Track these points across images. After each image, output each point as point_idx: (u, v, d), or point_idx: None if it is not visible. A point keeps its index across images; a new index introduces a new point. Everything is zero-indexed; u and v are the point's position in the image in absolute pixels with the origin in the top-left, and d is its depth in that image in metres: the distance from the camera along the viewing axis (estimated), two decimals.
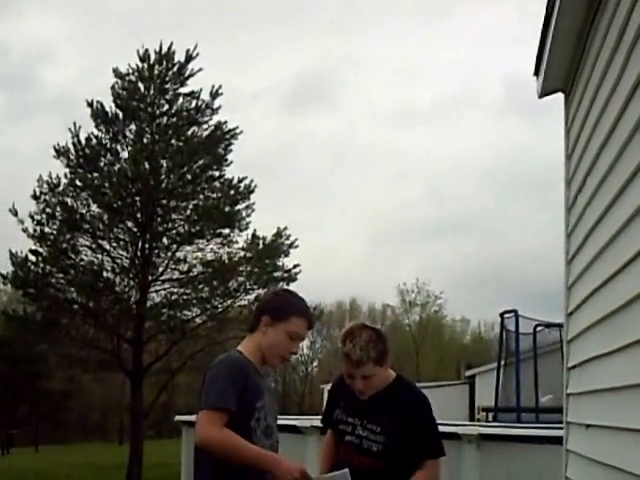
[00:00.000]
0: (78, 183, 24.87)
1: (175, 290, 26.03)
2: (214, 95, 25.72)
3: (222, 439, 3.89)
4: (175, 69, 25.45)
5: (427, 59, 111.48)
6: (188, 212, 25.62)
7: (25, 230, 24.33)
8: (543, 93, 6.12)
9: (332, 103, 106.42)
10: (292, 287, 26.41)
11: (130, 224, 25.33)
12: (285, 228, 26.17)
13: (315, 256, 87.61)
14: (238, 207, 25.87)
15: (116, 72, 25.40)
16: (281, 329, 4.26)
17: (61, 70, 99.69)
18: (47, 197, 24.56)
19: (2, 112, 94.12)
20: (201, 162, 25.59)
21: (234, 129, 26.08)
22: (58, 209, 24.64)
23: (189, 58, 25.49)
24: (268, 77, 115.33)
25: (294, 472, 3.90)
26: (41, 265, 24.60)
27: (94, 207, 25.03)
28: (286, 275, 26.13)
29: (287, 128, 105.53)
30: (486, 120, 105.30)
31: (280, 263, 26.14)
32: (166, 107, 25.64)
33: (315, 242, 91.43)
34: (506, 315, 21.43)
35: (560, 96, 6.13)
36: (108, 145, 25.27)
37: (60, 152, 24.83)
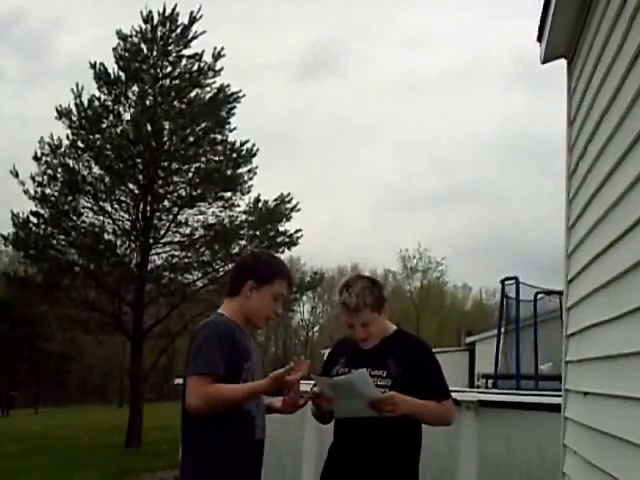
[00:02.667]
0: (80, 145, 24.78)
1: (176, 253, 26.02)
2: (216, 57, 25.58)
3: (211, 396, 3.96)
4: (178, 31, 25.30)
5: (436, 29, 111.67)
6: (190, 175, 25.53)
7: (26, 192, 24.30)
8: (546, 59, 6.06)
9: (341, 72, 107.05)
10: (294, 251, 26.53)
11: (132, 186, 25.28)
12: (288, 193, 26.14)
13: (319, 222, 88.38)
14: (240, 170, 25.80)
15: (119, 34, 25.24)
16: (266, 292, 4.33)
17: (75, 37, 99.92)
18: (48, 158, 24.49)
19: (17, 77, 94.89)
20: (203, 125, 25.48)
21: (237, 92, 25.99)
22: (59, 170, 24.56)
23: (193, 20, 25.34)
24: (280, 46, 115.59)
25: (293, 383, 4.07)
26: (42, 227, 24.57)
27: (96, 169, 24.96)
28: (288, 240, 26.08)
29: (297, 96, 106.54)
30: (492, 91, 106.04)
31: (282, 228, 26.11)
32: (169, 69, 25.52)
33: (320, 209, 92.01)
34: (507, 282, 21.43)
35: (563, 64, 6.08)
36: (110, 107, 25.15)
37: (62, 113, 24.73)
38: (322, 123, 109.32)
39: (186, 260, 25.81)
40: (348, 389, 4.30)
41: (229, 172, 25.50)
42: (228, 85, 25.86)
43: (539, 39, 5.97)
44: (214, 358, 4.00)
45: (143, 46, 25.26)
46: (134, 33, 25.20)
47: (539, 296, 21.50)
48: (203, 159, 25.68)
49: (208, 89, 25.85)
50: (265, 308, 4.35)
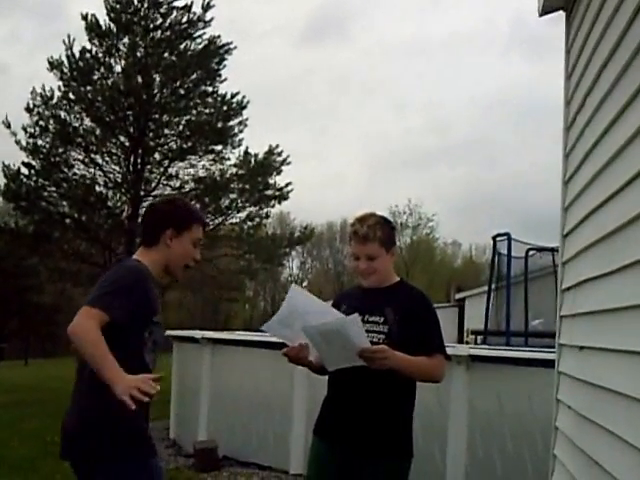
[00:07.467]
0: (71, 96, 24.61)
1: None
2: (205, 8, 25.37)
3: (88, 332, 3.74)
4: None
5: None
6: (180, 127, 25.40)
7: (18, 142, 24.20)
8: (544, 11, 6.01)
9: (345, 35, 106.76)
10: (284, 206, 26.49)
11: (122, 138, 25.12)
12: (277, 145, 26.06)
13: (313, 178, 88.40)
14: (231, 123, 25.69)
15: None
16: (186, 238, 4.32)
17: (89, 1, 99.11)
18: (40, 110, 24.36)
19: (31, 40, 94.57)
20: (194, 76, 25.32)
21: (228, 44, 25.82)
22: (51, 122, 24.43)
23: None
24: (285, 9, 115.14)
25: (131, 388, 3.66)
26: (33, 178, 24.45)
27: (87, 121, 24.79)
28: (278, 193, 26.03)
29: (300, 57, 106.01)
30: (492, 53, 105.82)
31: (272, 181, 26.04)
32: (160, 21, 25.30)
33: (315, 166, 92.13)
34: (499, 238, 21.41)
35: (562, 18, 6.02)
36: (102, 59, 24.96)
37: (54, 65, 24.57)
38: (323, 83, 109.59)
39: None
40: (339, 334, 4.21)
41: (220, 125, 25.38)
42: (219, 36, 25.70)
43: None
44: (116, 302, 3.89)
45: None
46: None
47: (530, 253, 21.53)
48: (194, 111, 25.54)
49: (199, 40, 25.69)
50: (186, 255, 4.35)
